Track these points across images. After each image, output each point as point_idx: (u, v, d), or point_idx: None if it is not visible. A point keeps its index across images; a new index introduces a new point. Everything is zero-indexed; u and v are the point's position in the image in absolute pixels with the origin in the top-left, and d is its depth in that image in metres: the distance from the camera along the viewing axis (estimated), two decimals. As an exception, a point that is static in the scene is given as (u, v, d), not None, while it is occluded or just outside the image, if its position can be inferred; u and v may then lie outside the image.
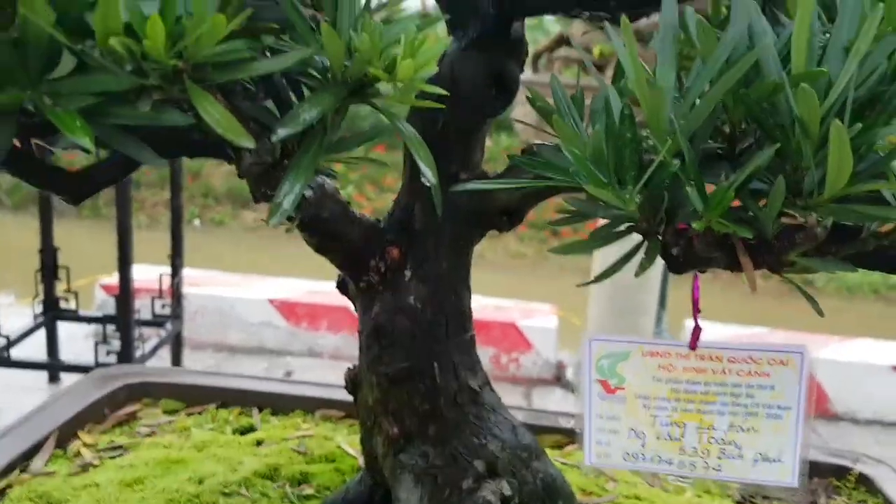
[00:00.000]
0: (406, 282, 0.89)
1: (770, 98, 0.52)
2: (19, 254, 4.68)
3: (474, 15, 0.83)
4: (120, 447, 1.16)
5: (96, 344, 3.31)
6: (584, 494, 1.10)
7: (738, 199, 0.53)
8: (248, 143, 0.44)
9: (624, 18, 0.49)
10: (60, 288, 3.61)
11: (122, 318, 3.20)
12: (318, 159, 0.53)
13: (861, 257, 0.59)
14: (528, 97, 0.68)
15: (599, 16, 0.73)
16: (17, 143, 0.55)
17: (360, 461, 1.09)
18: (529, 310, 5.01)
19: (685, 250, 0.56)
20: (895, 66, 0.52)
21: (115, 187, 3.17)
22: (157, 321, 3.59)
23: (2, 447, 1.08)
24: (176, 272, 3.60)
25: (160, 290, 3.60)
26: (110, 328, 3.34)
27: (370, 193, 9.17)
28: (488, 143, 0.93)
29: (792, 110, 0.52)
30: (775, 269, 0.54)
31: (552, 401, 4.45)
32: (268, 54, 0.50)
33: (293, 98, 0.59)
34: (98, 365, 3.01)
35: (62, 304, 3.64)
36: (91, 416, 1.22)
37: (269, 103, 0.58)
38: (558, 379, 4.73)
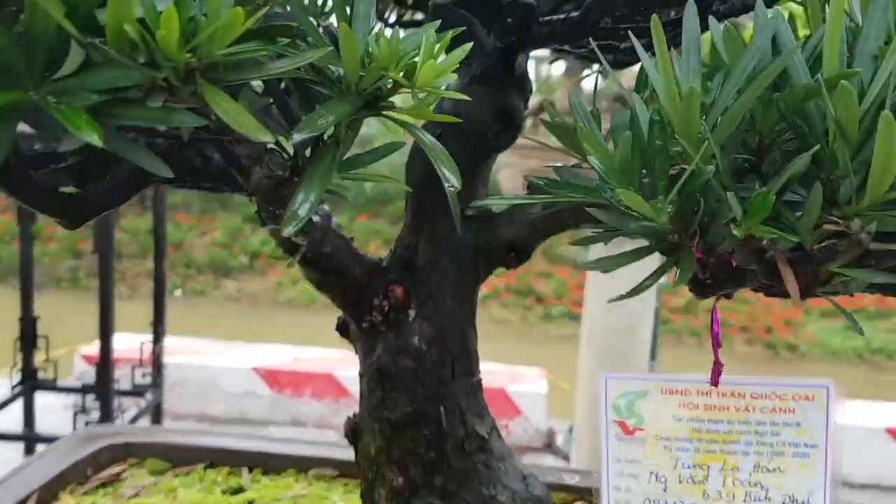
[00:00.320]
0: (410, 322, 0.86)
1: (802, 104, 0.50)
2: (-2, 324, 4.58)
3: (479, 49, 0.83)
4: (103, 509, 1.10)
5: (75, 413, 3.25)
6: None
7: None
8: (266, 136, 0.42)
9: (654, 17, 0.48)
10: (39, 358, 3.52)
11: (102, 386, 3.13)
12: (332, 173, 0.50)
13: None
14: (542, 120, 0.67)
15: (598, 53, 0.71)
16: (11, 160, 0.52)
17: (361, 519, 1.03)
18: (518, 374, 4.94)
19: (716, 267, 0.54)
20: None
21: (98, 255, 3.13)
22: (136, 391, 3.53)
23: (-23, 509, 1.02)
24: (157, 339, 3.54)
25: (140, 359, 3.55)
26: (89, 398, 3.28)
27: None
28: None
29: (825, 116, 0.50)
30: (813, 285, 0.52)
31: (544, 469, 4.35)
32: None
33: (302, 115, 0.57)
34: (76, 435, 2.90)
35: (40, 375, 3.55)
36: (73, 476, 1.16)
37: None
38: (549, 446, 4.64)
